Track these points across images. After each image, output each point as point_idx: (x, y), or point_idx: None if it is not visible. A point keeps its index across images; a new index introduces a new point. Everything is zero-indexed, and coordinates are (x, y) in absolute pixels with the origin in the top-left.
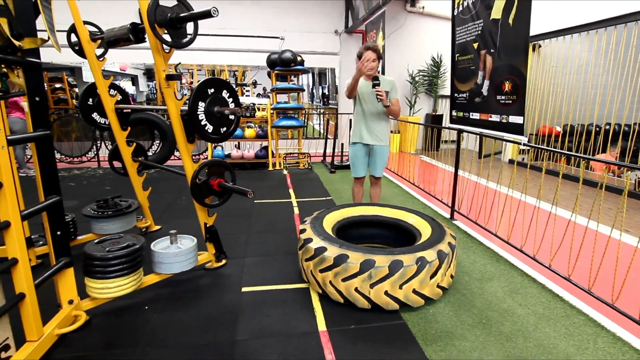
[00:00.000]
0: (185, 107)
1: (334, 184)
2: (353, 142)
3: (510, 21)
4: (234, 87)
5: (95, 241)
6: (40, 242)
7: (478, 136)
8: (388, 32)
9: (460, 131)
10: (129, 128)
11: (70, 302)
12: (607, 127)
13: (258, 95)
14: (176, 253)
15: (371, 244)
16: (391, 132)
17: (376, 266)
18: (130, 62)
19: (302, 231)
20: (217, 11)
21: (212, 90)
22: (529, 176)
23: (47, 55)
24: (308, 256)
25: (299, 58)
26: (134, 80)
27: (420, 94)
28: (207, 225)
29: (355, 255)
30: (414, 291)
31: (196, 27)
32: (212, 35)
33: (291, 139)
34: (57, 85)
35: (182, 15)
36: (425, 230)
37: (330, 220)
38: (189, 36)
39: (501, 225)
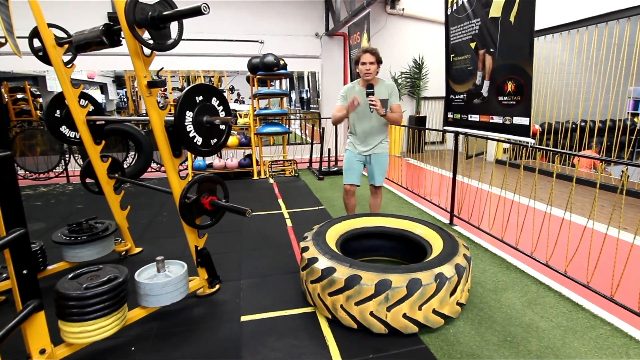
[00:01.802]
0: (170, 118)
1: (324, 191)
2: (347, 148)
3: (512, 19)
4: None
5: (70, 276)
6: (4, 275)
7: (465, 137)
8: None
9: (457, 134)
10: (103, 142)
11: (42, 351)
12: (583, 124)
13: (236, 101)
14: (164, 283)
15: (377, 257)
16: None
17: (393, 287)
18: (98, 69)
19: (305, 249)
20: (208, 7)
21: (201, 97)
22: (522, 176)
23: (7, 64)
24: (314, 278)
25: (281, 62)
26: (103, 88)
27: (403, 96)
28: (199, 248)
29: (368, 276)
30: (434, 311)
31: (181, 27)
32: (187, 39)
33: (274, 145)
34: (19, 96)
35: (165, 13)
36: (435, 241)
37: (333, 235)
38: (173, 38)
39: (506, 230)
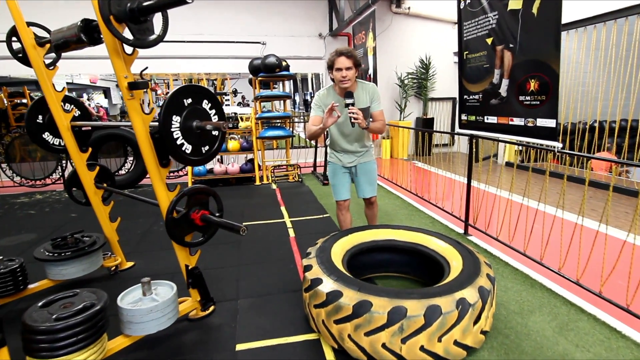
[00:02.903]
0: (156, 123)
1: (329, 197)
2: (330, 161)
3: (535, 11)
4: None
5: (40, 304)
6: None
7: (474, 139)
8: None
9: (472, 137)
10: (90, 149)
11: None
12: (600, 124)
13: (239, 104)
14: (150, 309)
15: (387, 273)
16: (382, 138)
17: (408, 315)
18: (99, 73)
19: (308, 268)
20: None
21: (190, 100)
22: (547, 183)
23: (6, 68)
24: (318, 302)
25: (284, 63)
26: (106, 92)
27: (410, 97)
28: (190, 268)
29: (380, 302)
30: (456, 342)
31: (166, 20)
32: (188, 42)
33: (277, 148)
34: (19, 101)
35: (145, 4)
36: (453, 258)
37: (338, 251)
38: (157, 32)
39: (528, 242)
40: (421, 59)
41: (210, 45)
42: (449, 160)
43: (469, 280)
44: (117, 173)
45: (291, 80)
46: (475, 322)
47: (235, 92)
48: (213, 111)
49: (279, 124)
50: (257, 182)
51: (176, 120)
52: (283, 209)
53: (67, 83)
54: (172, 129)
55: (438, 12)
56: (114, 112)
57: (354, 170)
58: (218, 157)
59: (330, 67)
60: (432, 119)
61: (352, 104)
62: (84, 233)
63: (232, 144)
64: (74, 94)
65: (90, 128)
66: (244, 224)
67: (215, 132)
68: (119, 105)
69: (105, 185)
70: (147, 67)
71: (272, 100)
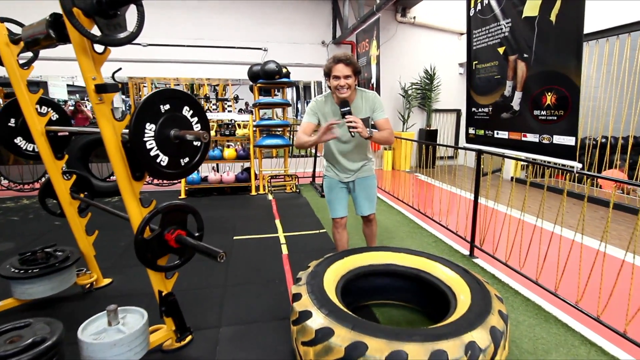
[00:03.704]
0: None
1: (326, 211)
2: (326, 174)
3: (553, 18)
4: (200, 101)
5: None
6: None
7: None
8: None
9: (480, 152)
10: (66, 156)
11: None
12: (604, 140)
13: (240, 110)
14: (114, 342)
15: (385, 301)
16: (384, 149)
17: None
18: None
19: (296, 297)
20: None
21: (167, 106)
22: (565, 202)
23: (2, 69)
24: (306, 339)
25: (284, 70)
26: None
27: (414, 108)
28: (163, 294)
29: (376, 345)
30: None
31: (141, 15)
32: (188, 46)
33: (276, 157)
34: None
35: None
36: (460, 289)
37: (332, 277)
38: (130, 29)
39: (542, 270)
40: (425, 70)
41: (211, 50)
42: (453, 173)
43: (479, 319)
44: (108, 179)
45: (293, 88)
46: None
47: (236, 99)
48: (195, 119)
49: (278, 132)
50: (253, 192)
51: (150, 128)
52: (278, 222)
53: (68, 85)
54: (145, 139)
55: (444, 23)
56: (116, 115)
57: (351, 185)
58: (213, 165)
59: (327, 74)
60: (436, 130)
61: (349, 112)
62: (57, 247)
63: (229, 152)
64: (77, 97)
65: (67, 133)
66: (235, 237)
67: (197, 143)
68: (121, 109)
69: (82, 195)
70: (120, 69)
71: (272, 108)
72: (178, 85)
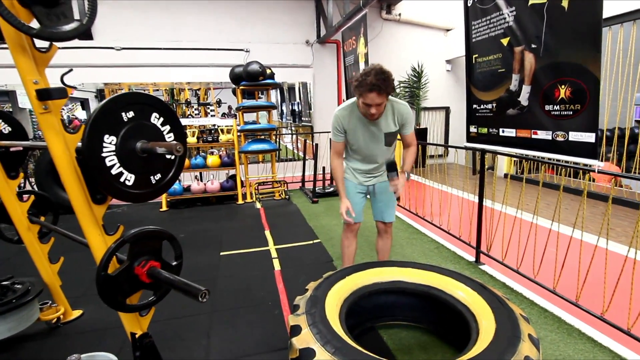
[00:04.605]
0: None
1: (318, 218)
2: (346, 177)
3: (565, 4)
4: (181, 106)
5: None
6: None
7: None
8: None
9: (484, 152)
10: (21, 175)
11: None
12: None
13: (223, 115)
14: None
15: (395, 322)
16: None
17: None
18: (78, 82)
19: (295, 330)
20: None
21: (131, 114)
22: (585, 204)
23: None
24: None
25: (268, 71)
26: (84, 104)
27: None
28: (137, 336)
29: None
30: None
31: (93, 4)
32: (166, 49)
33: (262, 162)
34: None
35: None
36: (480, 310)
37: (334, 302)
38: (76, 20)
39: (559, 278)
40: (413, 67)
41: (191, 52)
42: (444, 172)
43: (510, 348)
44: None
45: (277, 90)
46: None
47: (219, 103)
48: (167, 127)
49: (263, 137)
50: (240, 201)
51: (110, 141)
52: (267, 233)
53: None
54: (104, 154)
55: (429, 19)
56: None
57: (372, 189)
58: (196, 173)
59: (359, 94)
60: (426, 129)
61: (395, 175)
62: (15, 279)
63: (212, 159)
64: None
65: (21, 149)
66: (222, 253)
67: (170, 156)
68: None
69: (42, 218)
70: (71, 70)
71: (256, 111)
72: (157, 90)
